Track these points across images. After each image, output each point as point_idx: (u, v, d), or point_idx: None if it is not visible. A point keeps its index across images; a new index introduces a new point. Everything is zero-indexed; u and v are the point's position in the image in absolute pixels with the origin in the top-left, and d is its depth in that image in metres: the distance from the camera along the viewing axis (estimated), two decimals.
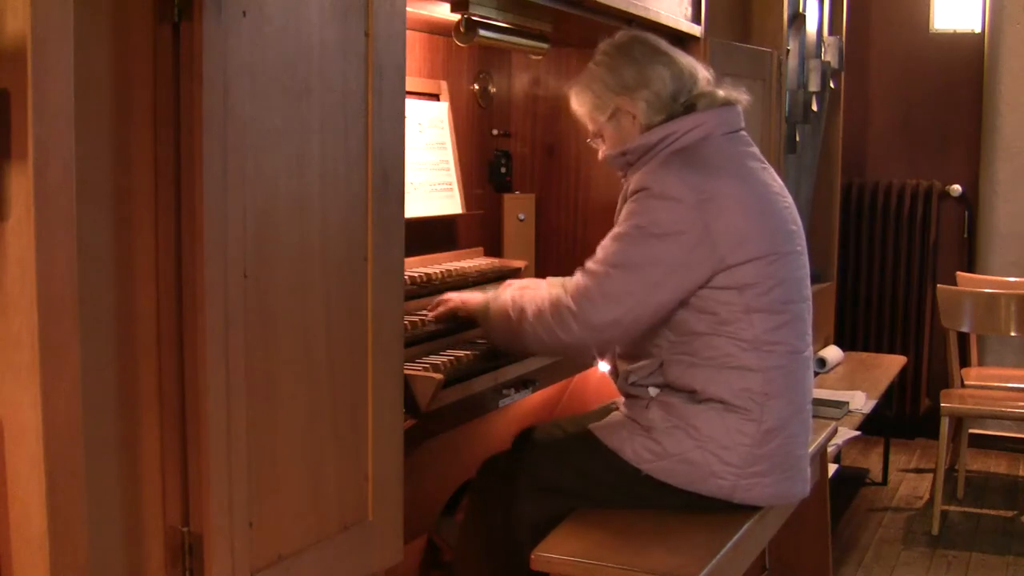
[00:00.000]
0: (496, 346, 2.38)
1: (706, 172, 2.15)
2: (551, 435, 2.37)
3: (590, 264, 2.18)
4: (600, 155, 2.38)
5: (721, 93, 2.28)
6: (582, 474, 2.27)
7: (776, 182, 2.29)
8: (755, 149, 2.30)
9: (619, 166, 2.30)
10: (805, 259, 2.30)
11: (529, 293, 2.27)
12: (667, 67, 2.27)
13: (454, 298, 2.42)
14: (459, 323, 2.43)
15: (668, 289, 2.13)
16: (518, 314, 2.24)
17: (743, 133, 2.30)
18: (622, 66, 2.27)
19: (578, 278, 2.19)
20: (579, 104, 2.35)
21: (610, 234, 2.19)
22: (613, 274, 2.14)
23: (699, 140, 2.21)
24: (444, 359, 2.24)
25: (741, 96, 2.30)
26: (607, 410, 2.42)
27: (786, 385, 2.20)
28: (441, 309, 2.40)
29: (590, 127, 2.36)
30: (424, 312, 2.42)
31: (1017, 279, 4.64)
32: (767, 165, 2.30)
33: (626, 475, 2.22)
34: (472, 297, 2.40)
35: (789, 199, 2.30)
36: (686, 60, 2.31)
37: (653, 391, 2.23)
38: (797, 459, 2.27)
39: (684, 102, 2.25)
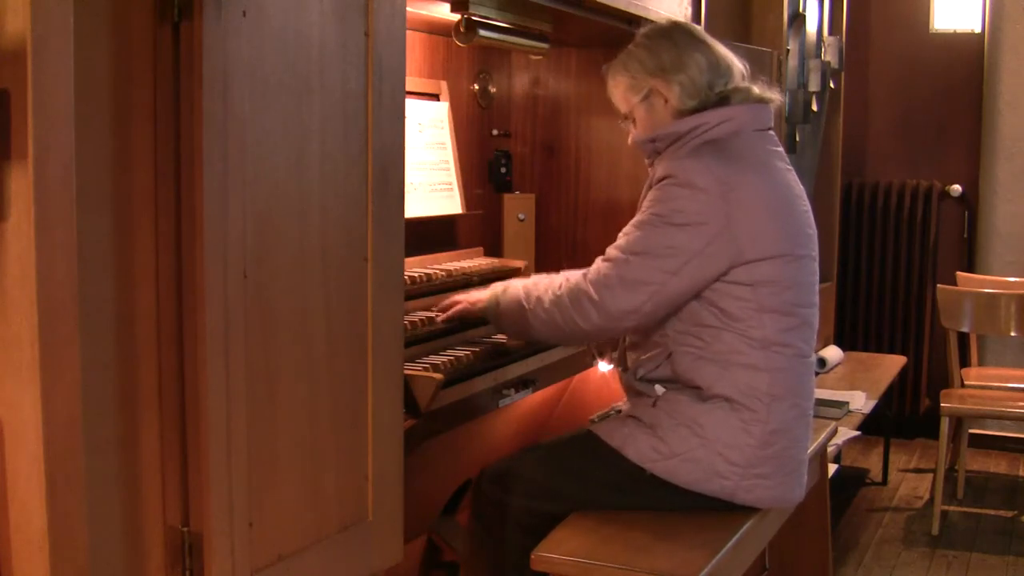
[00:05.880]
0: (506, 335, 2.39)
1: (734, 165, 2.15)
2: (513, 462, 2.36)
3: (611, 251, 2.19)
4: (630, 139, 2.38)
5: (756, 90, 2.28)
6: (583, 476, 2.26)
7: (798, 185, 2.30)
8: (781, 150, 2.31)
9: (648, 152, 2.30)
10: (817, 265, 2.30)
11: (544, 282, 2.28)
12: (704, 55, 2.26)
13: (462, 300, 2.42)
14: (464, 323, 2.43)
15: (686, 278, 2.13)
16: (533, 303, 2.24)
17: (771, 133, 2.31)
18: (661, 48, 2.27)
19: (598, 265, 2.20)
20: (614, 84, 2.35)
21: (632, 221, 2.19)
22: (633, 261, 2.14)
23: (730, 134, 2.21)
24: (444, 359, 2.24)
25: (775, 95, 2.31)
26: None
27: (791, 388, 2.21)
28: (451, 312, 2.41)
29: (622, 108, 2.35)
30: (423, 312, 2.42)
31: (1017, 279, 4.64)
32: (791, 167, 2.31)
33: (629, 475, 2.22)
34: (479, 295, 2.41)
35: (808, 204, 2.30)
36: (724, 52, 2.30)
37: (660, 389, 2.22)
38: (799, 463, 2.27)
39: (719, 92, 2.25)
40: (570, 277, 2.24)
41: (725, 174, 2.13)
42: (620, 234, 2.20)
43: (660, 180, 2.17)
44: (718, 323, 2.16)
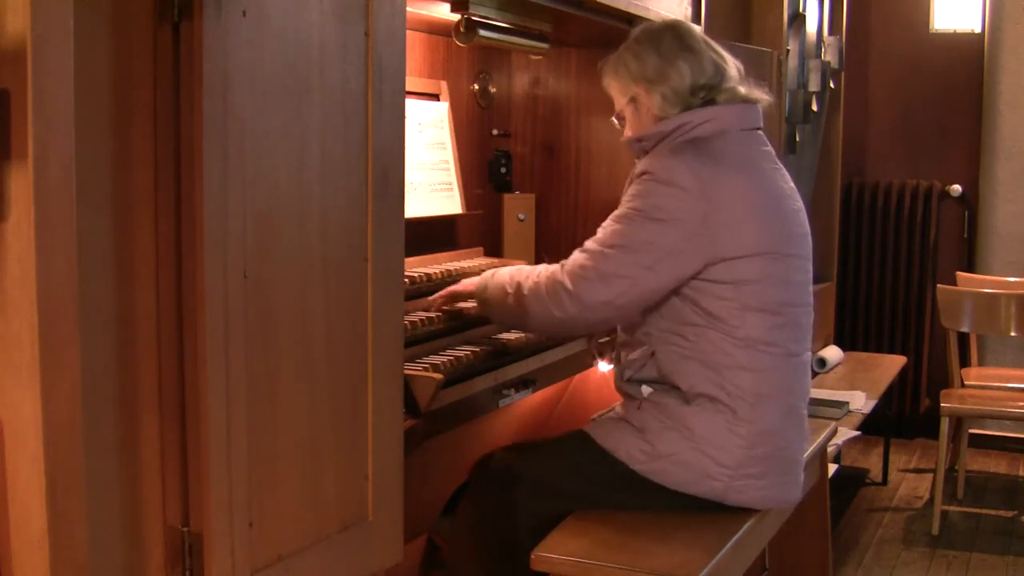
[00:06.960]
0: (494, 323, 2.42)
1: (715, 164, 2.16)
2: (508, 459, 2.37)
3: (589, 243, 2.21)
4: (622, 137, 2.41)
5: (742, 90, 2.28)
6: (579, 474, 2.27)
7: (788, 184, 2.30)
8: (770, 149, 2.31)
9: (636, 151, 2.32)
10: (809, 265, 2.30)
11: (526, 270, 2.30)
12: (689, 62, 2.26)
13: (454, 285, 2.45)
14: (462, 322, 2.44)
15: (661, 274, 2.14)
16: (515, 289, 2.27)
17: (760, 132, 2.31)
18: (647, 56, 2.28)
19: (576, 256, 2.21)
20: (606, 84, 2.38)
21: (612, 215, 2.21)
22: (609, 254, 2.15)
23: (714, 133, 2.22)
24: (444, 359, 2.24)
25: (763, 95, 2.32)
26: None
27: (779, 387, 2.20)
28: (441, 293, 2.43)
29: (615, 106, 2.39)
30: (423, 312, 2.42)
31: (1017, 279, 4.64)
32: (780, 167, 2.31)
33: (622, 475, 2.23)
34: (469, 280, 2.43)
35: (800, 204, 2.30)
36: (714, 55, 2.29)
37: (646, 391, 2.23)
38: (792, 464, 2.27)
39: (703, 96, 2.25)
40: (550, 266, 2.27)
41: (705, 172, 2.13)
42: (599, 227, 2.22)
43: (640, 175, 2.18)
44: (702, 322, 2.17)
